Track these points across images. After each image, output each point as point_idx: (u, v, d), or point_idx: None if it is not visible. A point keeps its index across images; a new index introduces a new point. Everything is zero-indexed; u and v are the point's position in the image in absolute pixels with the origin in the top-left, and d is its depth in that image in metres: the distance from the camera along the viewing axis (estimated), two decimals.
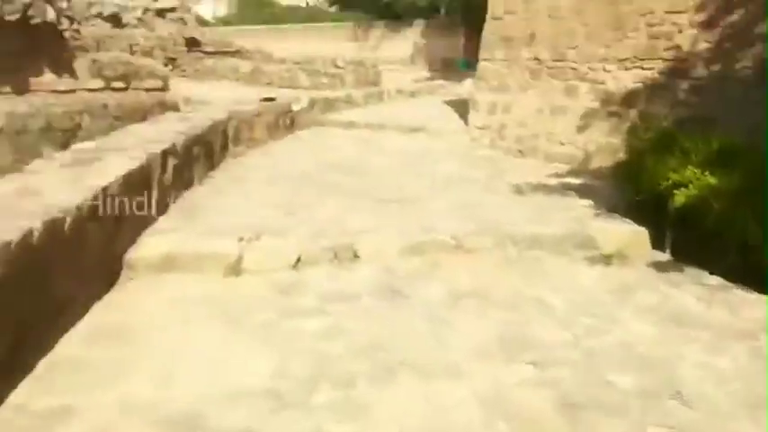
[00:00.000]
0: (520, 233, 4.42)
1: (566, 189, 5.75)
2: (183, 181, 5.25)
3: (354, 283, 3.74)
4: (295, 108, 8.81)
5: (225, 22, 43.53)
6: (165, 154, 4.72)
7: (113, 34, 15.88)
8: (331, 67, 18.48)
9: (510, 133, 7.53)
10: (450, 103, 12.15)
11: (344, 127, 9.44)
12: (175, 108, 10.32)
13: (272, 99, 8.49)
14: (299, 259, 3.97)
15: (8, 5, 10.37)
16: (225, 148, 6.64)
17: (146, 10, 18.58)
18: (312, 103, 9.54)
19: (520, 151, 7.36)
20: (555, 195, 5.53)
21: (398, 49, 31.95)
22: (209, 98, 12.87)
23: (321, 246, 4.09)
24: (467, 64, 27.45)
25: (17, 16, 10.59)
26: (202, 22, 41.21)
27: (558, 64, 7.22)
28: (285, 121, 8.44)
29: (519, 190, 5.62)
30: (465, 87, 17.46)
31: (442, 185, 5.81)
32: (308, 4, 53.96)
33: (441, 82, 20.25)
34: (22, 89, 11.38)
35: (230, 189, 5.52)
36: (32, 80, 11.52)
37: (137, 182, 4.03)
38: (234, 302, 3.43)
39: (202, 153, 5.80)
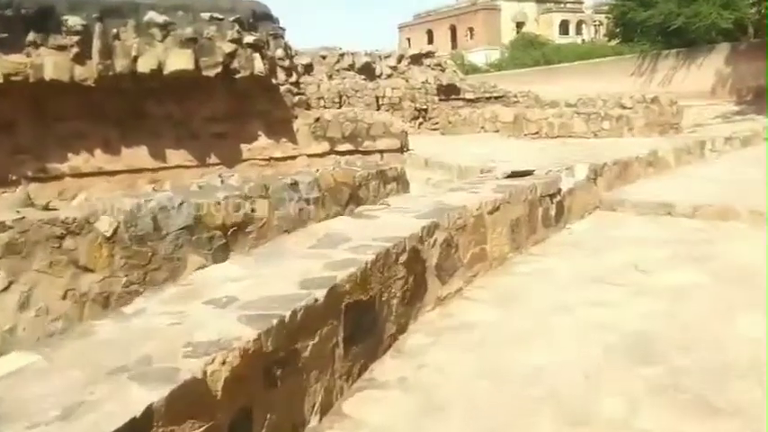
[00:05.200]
0: None
1: None
2: None
3: None
4: (565, 185, 5.04)
5: (496, 66, 40.98)
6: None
7: (359, 87, 13.74)
8: (615, 107, 14.12)
9: None
10: None
11: (650, 213, 5.35)
12: (400, 180, 7.25)
13: (525, 173, 4.86)
14: None
15: (205, 58, 8.39)
16: (418, 291, 3.20)
17: (401, 57, 16.35)
18: (595, 173, 5.65)
19: None
20: None
21: (695, 81, 25.78)
22: (453, 159, 9.67)
23: None
24: None
25: (217, 70, 8.60)
26: (473, 68, 39.29)
27: None
28: (547, 212, 4.73)
29: None
30: None
31: None
32: (583, 40, 49.07)
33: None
34: (232, 159, 9.41)
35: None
36: (244, 147, 9.49)
37: None
38: None
39: (340, 339, 2.43)
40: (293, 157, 8.85)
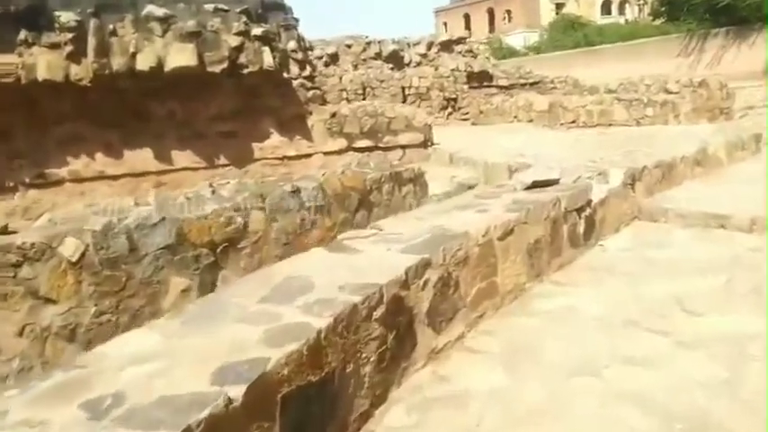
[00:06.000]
0: None
1: None
2: None
3: None
4: (597, 195, 4.28)
5: (535, 50, 39.47)
6: None
7: (384, 77, 13.00)
8: (659, 92, 13.10)
9: None
10: None
11: (698, 225, 4.54)
12: (417, 181, 6.61)
13: (548, 183, 4.12)
14: None
15: (209, 53, 7.76)
16: (402, 348, 2.53)
17: (430, 44, 15.49)
18: (633, 177, 4.85)
19: None
20: None
21: (746, 61, 24.11)
22: (480, 154, 8.92)
23: None
24: None
25: (223, 66, 7.98)
26: (511, 52, 37.95)
27: None
28: (575, 229, 3.99)
29: None
30: None
31: None
32: (627, 21, 46.87)
33: None
34: (242, 159, 8.84)
35: None
36: (255, 146, 8.90)
37: None
38: None
39: None
40: (308, 156, 8.26)
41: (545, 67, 20.60)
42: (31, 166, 6.77)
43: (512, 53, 37.55)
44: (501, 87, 15.54)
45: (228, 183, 5.72)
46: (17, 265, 3.58)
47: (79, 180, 7.01)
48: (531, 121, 12.78)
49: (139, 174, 7.28)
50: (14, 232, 3.84)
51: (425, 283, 2.67)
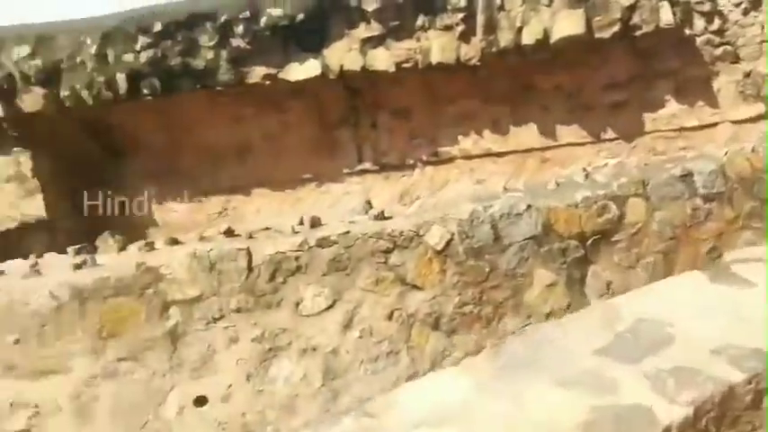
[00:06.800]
0: None
1: None
2: None
3: None
4: None
5: None
6: None
7: None
8: None
9: None
10: None
11: None
12: None
13: None
14: None
15: (598, 17, 6.90)
16: None
17: None
18: None
19: None
20: None
21: None
22: None
23: None
24: None
25: (614, 30, 7.04)
26: None
27: None
28: None
29: None
30: None
31: None
32: None
33: None
34: (631, 132, 7.78)
35: None
36: (647, 117, 7.74)
37: None
38: None
39: None
40: (712, 125, 6.92)
41: None
42: (427, 144, 7.27)
43: None
44: None
45: (606, 165, 5.10)
46: (388, 252, 3.70)
47: (468, 157, 7.25)
48: None
49: (524, 150, 7.15)
50: (390, 218, 4.03)
51: None
